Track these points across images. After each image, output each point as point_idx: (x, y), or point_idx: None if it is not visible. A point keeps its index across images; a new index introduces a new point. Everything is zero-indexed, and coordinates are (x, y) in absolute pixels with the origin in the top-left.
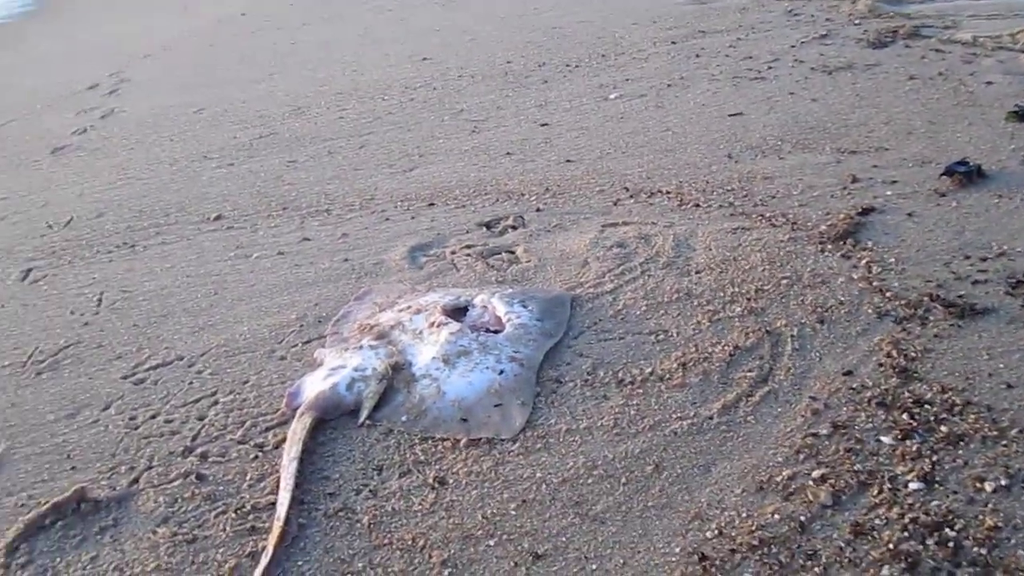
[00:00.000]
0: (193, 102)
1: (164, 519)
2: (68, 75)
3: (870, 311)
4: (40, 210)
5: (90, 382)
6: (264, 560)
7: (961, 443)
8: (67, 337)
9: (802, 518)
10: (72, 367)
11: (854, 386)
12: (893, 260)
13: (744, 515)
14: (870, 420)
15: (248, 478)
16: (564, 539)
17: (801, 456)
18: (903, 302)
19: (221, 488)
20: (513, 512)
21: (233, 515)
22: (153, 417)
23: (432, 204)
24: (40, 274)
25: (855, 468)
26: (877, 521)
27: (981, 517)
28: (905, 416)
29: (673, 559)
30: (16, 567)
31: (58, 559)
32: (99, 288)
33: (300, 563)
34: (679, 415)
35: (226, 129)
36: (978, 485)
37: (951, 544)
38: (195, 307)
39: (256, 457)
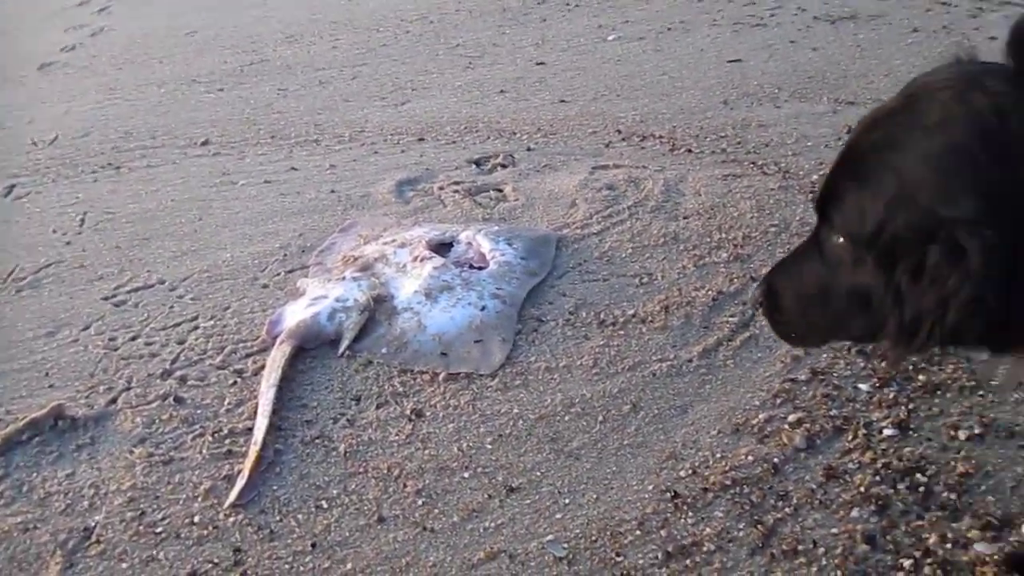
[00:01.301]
0: (184, 24)
1: (141, 439)
2: None
3: None
4: (25, 127)
5: (71, 301)
6: (240, 483)
7: (938, 392)
8: (49, 256)
9: (776, 460)
10: (53, 286)
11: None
12: None
13: (718, 456)
14: (849, 368)
15: (226, 403)
16: (539, 473)
17: (778, 400)
18: None
19: (199, 411)
20: (489, 446)
21: (210, 438)
22: (133, 339)
23: (422, 139)
24: (23, 191)
25: (831, 413)
26: (850, 465)
27: (953, 464)
28: (884, 365)
29: (646, 496)
30: None
31: (34, 474)
32: (82, 208)
33: (275, 487)
34: (659, 357)
35: (217, 54)
36: (952, 433)
37: (922, 489)
38: (179, 232)
39: (235, 383)
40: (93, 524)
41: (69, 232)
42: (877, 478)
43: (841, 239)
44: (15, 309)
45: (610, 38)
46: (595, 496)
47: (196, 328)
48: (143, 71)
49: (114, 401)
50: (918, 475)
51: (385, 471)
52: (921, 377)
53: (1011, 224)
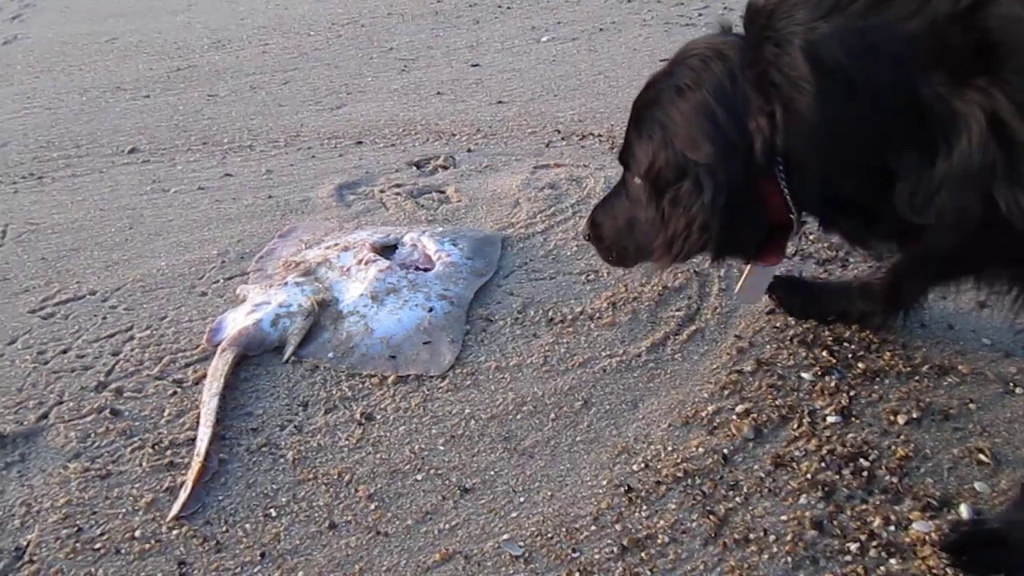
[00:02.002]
0: (104, 31)
1: (76, 454)
2: None
3: (794, 255)
4: None
5: None
6: (183, 495)
7: (877, 379)
8: None
9: (725, 451)
10: None
11: (777, 325)
12: None
13: (670, 449)
14: (792, 357)
15: (166, 414)
16: (492, 473)
17: (726, 392)
18: (825, 244)
19: (137, 423)
20: (441, 447)
21: (150, 450)
22: (64, 352)
23: (360, 142)
24: None
25: (777, 403)
26: (796, 453)
27: (893, 448)
28: (825, 353)
29: (600, 491)
30: None
31: None
32: (3, 220)
33: (221, 498)
34: (608, 353)
35: (141, 60)
36: (891, 418)
37: (865, 473)
38: (109, 241)
39: (175, 393)
40: (25, 543)
41: None
42: (823, 464)
43: (637, 179)
44: None
45: (543, 39)
46: (550, 493)
47: (131, 339)
48: (63, 79)
49: (45, 416)
50: (861, 460)
51: (335, 476)
52: (861, 364)
53: (739, 164)
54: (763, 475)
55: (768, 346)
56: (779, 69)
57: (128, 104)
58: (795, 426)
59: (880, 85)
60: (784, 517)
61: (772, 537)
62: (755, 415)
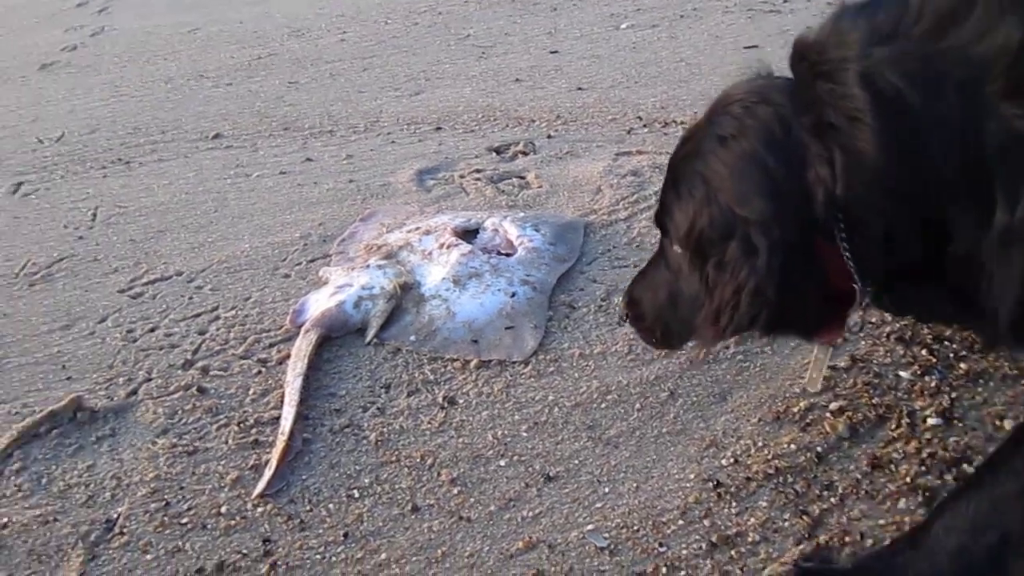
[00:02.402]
0: (187, 22)
1: (164, 430)
2: None
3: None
4: (29, 125)
5: (85, 295)
6: (267, 473)
7: (980, 381)
8: (61, 250)
9: (819, 449)
10: (66, 280)
11: (873, 320)
12: None
13: (760, 444)
14: (889, 355)
15: (251, 393)
16: (576, 462)
17: (819, 388)
18: None
19: (223, 402)
20: (524, 434)
21: (236, 428)
22: (152, 330)
23: (439, 128)
24: (31, 188)
25: (873, 402)
26: (895, 455)
27: None
28: (924, 352)
29: (687, 484)
30: (10, 473)
31: (54, 466)
32: (93, 203)
33: (304, 477)
34: (695, 344)
35: (222, 49)
36: (997, 423)
37: None
38: (194, 224)
39: (259, 372)
40: (116, 516)
41: (81, 227)
42: (923, 468)
43: (676, 247)
44: (29, 303)
45: (623, 26)
46: (635, 485)
47: (217, 319)
48: (148, 68)
49: (135, 392)
50: (964, 465)
51: (418, 460)
52: (963, 365)
53: (795, 220)
54: (859, 476)
55: (863, 342)
56: (834, 107)
57: (211, 92)
58: (893, 427)
59: (946, 117)
60: (882, 521)
61: (869, 541)
62: (850, 413)
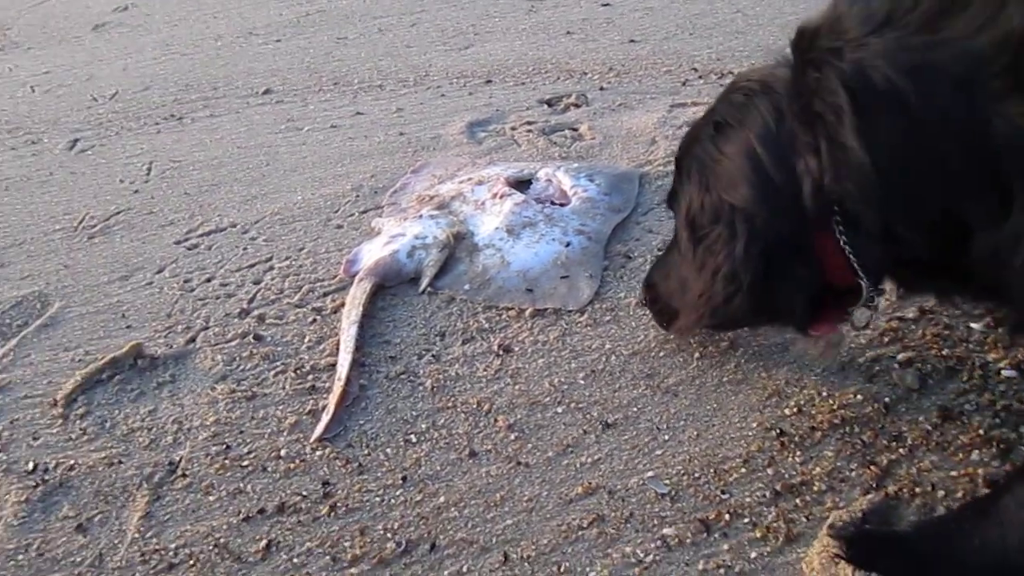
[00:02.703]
0: None
1: (222, 376)
2: None
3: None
4: (84, 83)
5: (143, 246)
6: (325, 418)
7: None
8: (117, 204)
9: (887, 400)
10: (124, 232)
11: None
12: None
13: (824, 394)
14: (959, 307)
15: (307, 340)
16: (635, 409)
17: (886, 339)
18: None
19: (280, 349)
20: (582, 381)
21: (292, 375)
22: (208, 280)
23: (489, 81)
24: (87, 144)
25: (943, 353)
26: (967, 407)
27: None
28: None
29: (750, 433)
30: (75, 417)
31: (116, 411)
32: (148, 158)
33: (362, 422)
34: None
35: (271, 6)
36: None
37: None
38: (247, 177)
39: (314, 320)
40: (178, 458)
41: (136, 181)
42: (997, 420)
43: (681, 231)
44: (88, 255)
45: None
46: (696, 433)
47: (271, 268)
48: (198, 27)
49: (193, 340)
50: None
51: (475, 406)
52: None
53: (783, 210)
54: (929, 427)
55: None
56: (821, 97)
57: (260, 48)
58: (965, 378)
59: (943, 113)
60: (954, 472)
61: (941, 492)
62: (919, 364)
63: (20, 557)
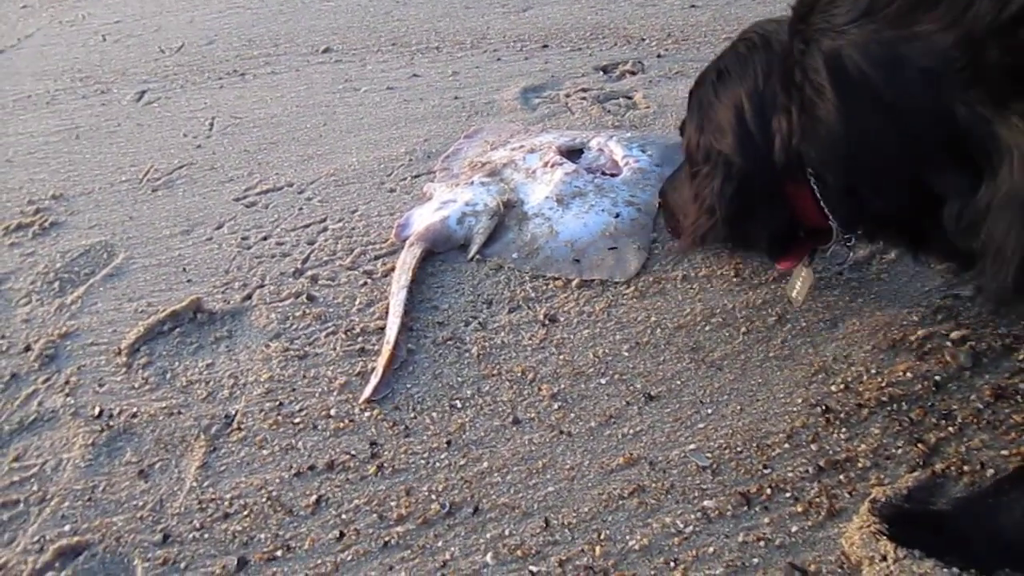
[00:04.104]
0: None
1: (276, 334)
2: None
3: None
4: (152, 35)
5: (203, 201)
6: (373, 380)
7: None
8: (181, 158)
9: (937, 378)
10: (186, 186)
11: None
12: None
13: (873, 371)
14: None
15: (357, 302)
16: (679, 383)
17: (939, 317)
18: None
19: (331, 310)
20: (626, 353)
21: (343, 336)
22: (264, 239)
23: (546, 46)
24: (154, 96)
25: (999, 331)
26: (1021, 385)
27: None
28: None
29: (795, 409)
30: (137, 367)
31: (176, 363)
32: (211, 113)
33: (409, 386)
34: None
35: None
36: None
37: None
38: (304, 136)
39: (365, 283)
40: (234, 412)
41: (199, 136)
42: None
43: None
44: (152, 208)
45: None
46: (739, 407)
47: (325, 230)
48: None
49: (249, 297)
50: None
51: (519, 374)
52: None
53: (757, 159)
54: (981, 406)
55: None
56: (803, 69)
57: (321, 5)
58: (1020, 357)
59: (910, 100)
60: (1005, 452)
61: (991, 471)
62: (973, 343)
63: (87, 498)
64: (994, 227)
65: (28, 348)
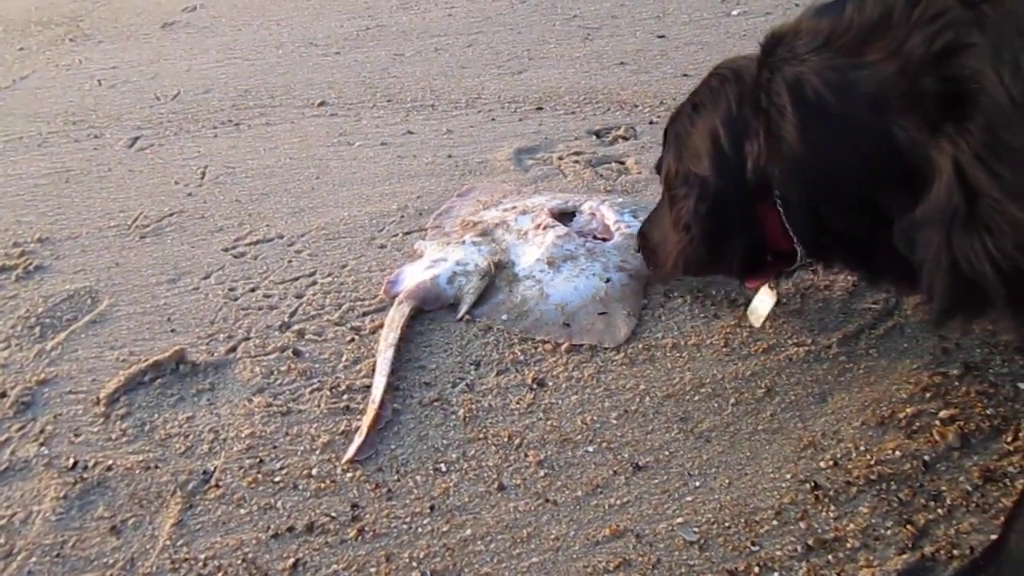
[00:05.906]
0: None
1: (260, 389)
2: None
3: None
4: (149, 81)
5: (192, 250)
6: (357, 439)
7: None
8: (171, 205)
9: (926, 457)
10: (175, 234)
11: (990, 328)
12: None
13: (862, 448)
14: (1006, 365)
15: (344, 359)
16: (667, 453)
17: (928, 395)
18: None
19: (317, 366)
20: (614, 421)
21: (328, 393)
22: (252, 290)
23: (540, 108)
24: (147, 143)
25: (987, 412)
26: (1010, 469)
27: None
28: None
29: (783, 484)
30: (116, 417)
31: (156, 415)
32: (203, 161)
33: (393, 447)
34: (795, 341)
35: (332, 18)
36: None
37: None
38: (296, 189)
39: (352, 340)
40: (212, 468)
41: (191, 184)
42: None
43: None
44: (139, 255)
45: (734, 12)
46: (727, 481)
47: (314, 283)
48: (261, 32)
49: (234, 350)
50: None
51: (505, 439)
52: None
53: (731, 181)
54: (970, 488)
55: (978, 350)
56: (768, 93)
57: (319, 59)
58: (1009, 439)
59: (858, 123)
60: (994, 536)
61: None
62: (962, 423)
63: (55, 554)
64: (927, 240)
65: (3, 394)
